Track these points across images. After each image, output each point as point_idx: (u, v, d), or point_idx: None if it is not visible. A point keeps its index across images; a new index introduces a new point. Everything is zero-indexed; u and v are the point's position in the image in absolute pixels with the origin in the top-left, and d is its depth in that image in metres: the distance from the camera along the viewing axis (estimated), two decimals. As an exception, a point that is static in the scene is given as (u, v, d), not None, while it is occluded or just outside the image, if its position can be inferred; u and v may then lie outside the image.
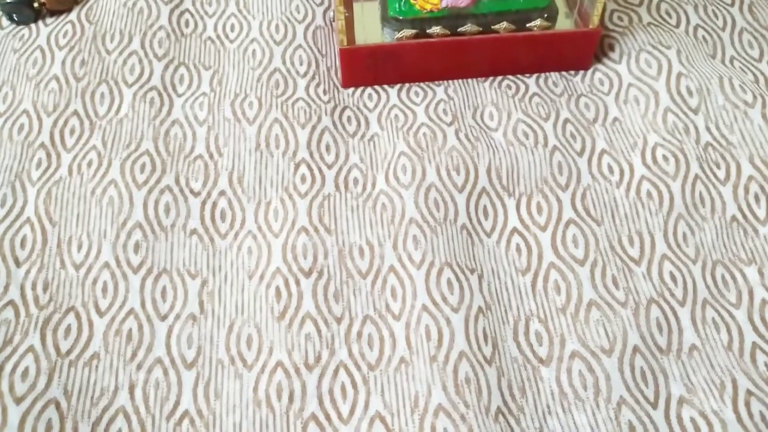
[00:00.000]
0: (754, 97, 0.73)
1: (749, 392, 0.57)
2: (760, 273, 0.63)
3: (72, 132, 0.73)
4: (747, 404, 0.56)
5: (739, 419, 0.56)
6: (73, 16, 0.84)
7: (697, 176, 0.69)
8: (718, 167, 0.69)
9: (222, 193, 0.69)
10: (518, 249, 0.65)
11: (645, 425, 0.56)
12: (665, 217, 0.66)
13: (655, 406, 0.57)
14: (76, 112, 0.75)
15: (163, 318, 0.62)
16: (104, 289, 0.63)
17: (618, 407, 0.56)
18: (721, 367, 0.58)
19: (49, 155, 0.71)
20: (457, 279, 0.62)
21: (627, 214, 0.67)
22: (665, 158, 0.70)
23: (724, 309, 0.61)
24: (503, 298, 0.63)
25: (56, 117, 0.74)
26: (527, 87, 0.78)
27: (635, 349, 0.59)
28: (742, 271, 0.64)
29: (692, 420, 0.56)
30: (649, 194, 0.68)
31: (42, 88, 0.76)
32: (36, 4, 0.82)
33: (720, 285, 0.63)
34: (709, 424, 0.56)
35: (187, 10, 0.85)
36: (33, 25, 0.83)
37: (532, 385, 0.58)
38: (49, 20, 0.84)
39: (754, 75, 0.77)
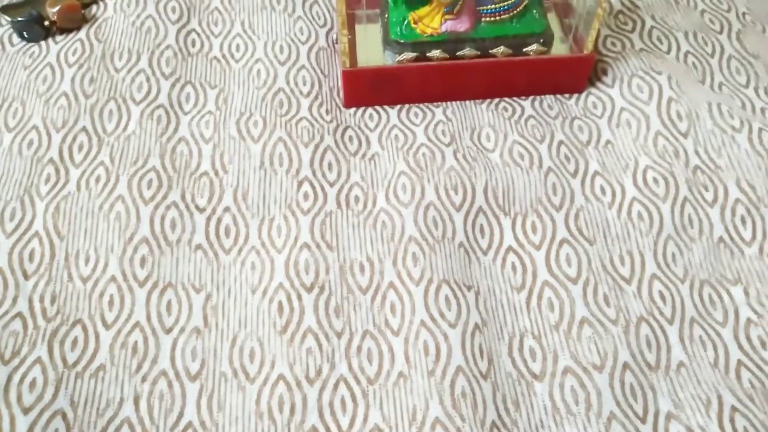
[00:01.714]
0: (741, 122, 0.75)
1: (734, 408, 0.59)
2: (746, 293, 0.65)
3: (80, 148, 0.75)
4: (732, 420, 0.58)
5: None
6: (82, 34, 0.86)
7: (686, 198, 0.71)
8: (707, 190, 0.71)
9: (227, 209, 0.71)
10: (513, 267, 0.67)
11: None
12: (655, 238, 0.68)
13: (644, 421, 0.59)
14: (84, 129, 0.77)
15: (168, 331, 0.63)
16: (111, 303, 0.64)
17: (608, 422, 0.58)
18: (708, 383, 0.60)
19: (57, 170, 0.73)
20: (455, 296, 0.64)
21: (618, 234, 0.69)
22: (655, 180, 0.72)
23: (711, 327, 0.63)
24: (499, 314, 0.64)
25: (65, 133, 0.76)
26: (523, 109, 0.80)
27: (625, 365, 0.61)
28: (729, 290, 0.66)
29: None
30: (639, 215, 0.70)
31: (51, 105, 0.78)
32: (46, 22, 0.84)
33: (707, 304, 0.65)
34: None
35: (194, 29, 0.88)
36: (43, 43, 0.85)
37: (526, 399, 0.60)
38: (58, 38, 0.86)
39: (742, 101, 0.79)
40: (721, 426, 0.58)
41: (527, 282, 0.66)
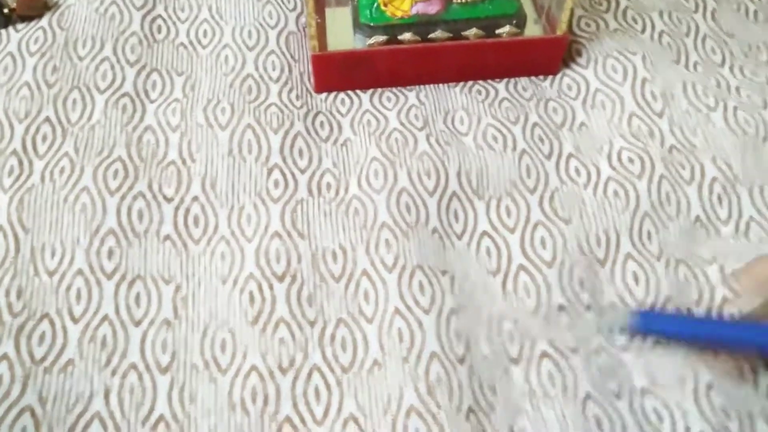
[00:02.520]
0: (716, 101, 0.75)
1: (709, 386, 0.58)
2: (722, 272, 0.65)
3: (44, 139, 0.73)
4: (707, 396, 0.58)
5: (701, 411, 0.57)
6: (44, 22, 0.84)
7: (662, 176, 0.70)
8: (683, 168, 0.71)
9: (195, 198, 0.70)
10: (488, 251, 0.66)
11: (610, 417, 0.57)
12: (632, 215, 0.68)
13: (619, 396, 0.58)
14: (48, 119, 0.75)
15: (138, 323, 0.62)
16: (78, 296, 0.63)
17: (584, 403, 0.58)
18: (683, 361, 0.59)
19: (21, 162, 0.71)
20: (429, 282, 0.63)
21: (595, 212, 0.68)
22: (631, 160, 0.71)
23: (685, 307, 0.63)
24: (475, 299, 0.64)
25: (28, 123, 0.74)
26: (497, 92, 0.79)
27: (599, 347, 0.61)
28: (704, 270, 0.65)
29: (655, 410, 0.57)
30: (615, 193, 0.69)
31: (13, 95, 0.76)
32: (6, 10, 0.82)
33: (682, 283, 0.64)
34: (671, 415, 0.57)
35: (160, 15, 0.86)
36: (3, 31, 0.83)
37: (503, 383, 0.59)
38: (19, 26, 0.83)
39: (717, 80, 0.79)
40: (697, 402, 0.58)
41: (502, 266, 0.65)
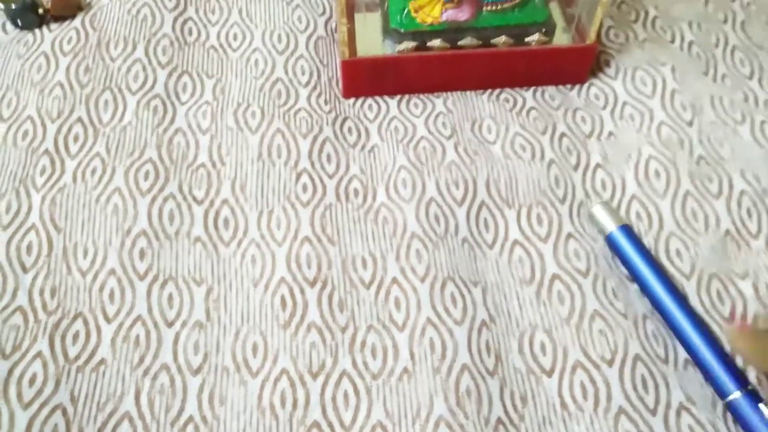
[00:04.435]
0: (743, 116, 0.75)
1: None
2: (755, 287, 0.65)
3: (76, 139, 0.74)
4: None
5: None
6: (77, 22, 0.84)
7: (688, 192, 0.70)
8: (711, 181, 0.71)
9: (225, 201, 0.70)
10: (521, 260, 0.67)
11: None
12: (656, 237, 0.68)
13: (654, 413, 0.58)
14: (80, 119, 0.75)
15: (170, 324, 0.62)
16: (111, 296, 0.63)
17: (616, 417, 0.58)
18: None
19: (53, 162, 0.72)
20: (461, 293, 0.64)
21: None
22: (657, 174, 0.71)
23: (717, 324, 0.63)
24: (507, 310, 0.64)
25: (60, 123, 0.75)
26: (524, 100, 0.79)
27: (636, 357, 0.60)
28: (737, 284, 0.65)
29: (690, 427, 0.57)
30: (638, 215, 0.69)
31: (46, 95, 0.77)
32: (40, 10, 0.83)
33: (714, 299, 0.64)
34: None
35: (191, 18, 0.86)
36: (37, 31, 0.83)
37: (534, 395, 0.59)
38: (53, 26, 0.84)
39: (744, 93, 0.79)
40: (726, 423, 0.57)
41: (536, 275, 0.66)
